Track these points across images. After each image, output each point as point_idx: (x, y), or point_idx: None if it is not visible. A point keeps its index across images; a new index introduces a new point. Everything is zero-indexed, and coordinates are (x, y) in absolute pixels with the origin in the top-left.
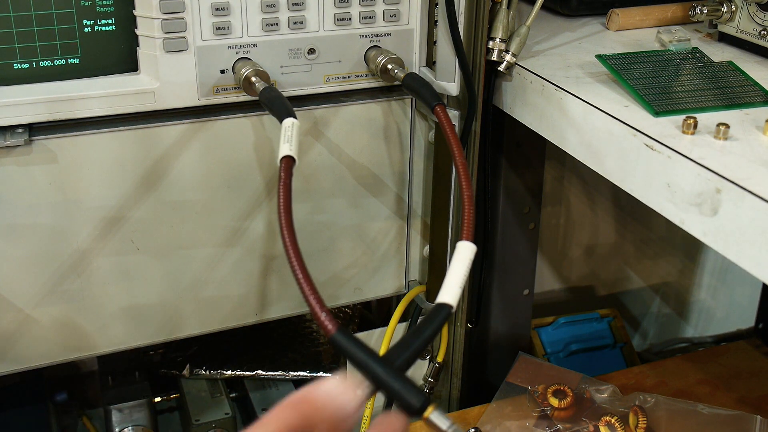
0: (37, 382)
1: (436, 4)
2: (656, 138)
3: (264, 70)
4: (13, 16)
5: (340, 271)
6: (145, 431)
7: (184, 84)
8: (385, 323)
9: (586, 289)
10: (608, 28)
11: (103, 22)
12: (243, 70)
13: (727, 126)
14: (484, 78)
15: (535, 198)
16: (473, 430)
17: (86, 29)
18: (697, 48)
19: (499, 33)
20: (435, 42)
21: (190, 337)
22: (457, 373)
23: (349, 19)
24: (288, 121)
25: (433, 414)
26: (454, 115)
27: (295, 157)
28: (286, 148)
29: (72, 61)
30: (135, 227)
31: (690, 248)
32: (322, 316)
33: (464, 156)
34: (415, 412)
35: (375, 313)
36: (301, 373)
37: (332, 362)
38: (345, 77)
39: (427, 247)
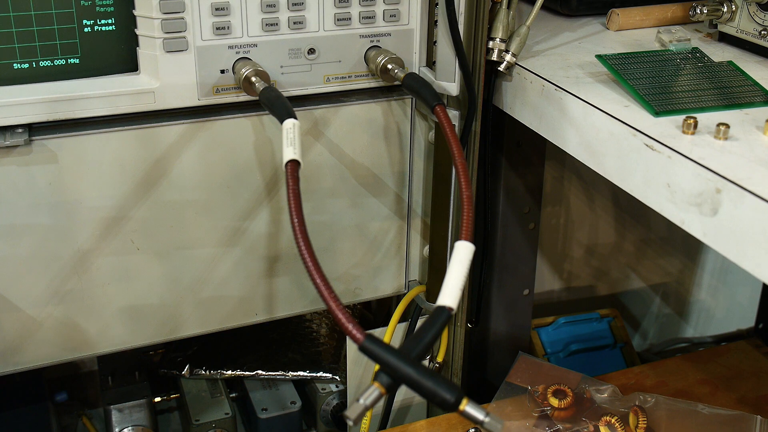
0: (37, 382)
1: (436, 4)
2: (656, 138)
3: (264, 70)
4: (13, 16)
5: (340, 271)
6: (145, 431)
7: (184, 84)
8: (385, 323)
9: (586, 289)
10: (608, 28)
11: (103, 22)
12: (243, 70)
13: (727, 126)
14: (484, 78)
15: (535, 198)
16: (473, 430)
17: (86, 29)
18: (697, 48)
19: (499, 33)
20: (435, 42)
21: (190, 337)
22: (457, 373)
23: (349, 19)
24: (289, 123)
25: (468, 406)
26: (454, 115)
27: (300, 160)
28: (290, 152)
29: (72, 61)
30: (135, 227)
31: (690, 248)
32: (350, 327)
33: (464, 156)
34: (450, 407)
35: (375, 313)
36: (301, 373)
37: (332, 362)
38: (345, 77)
39: (427, 247)
